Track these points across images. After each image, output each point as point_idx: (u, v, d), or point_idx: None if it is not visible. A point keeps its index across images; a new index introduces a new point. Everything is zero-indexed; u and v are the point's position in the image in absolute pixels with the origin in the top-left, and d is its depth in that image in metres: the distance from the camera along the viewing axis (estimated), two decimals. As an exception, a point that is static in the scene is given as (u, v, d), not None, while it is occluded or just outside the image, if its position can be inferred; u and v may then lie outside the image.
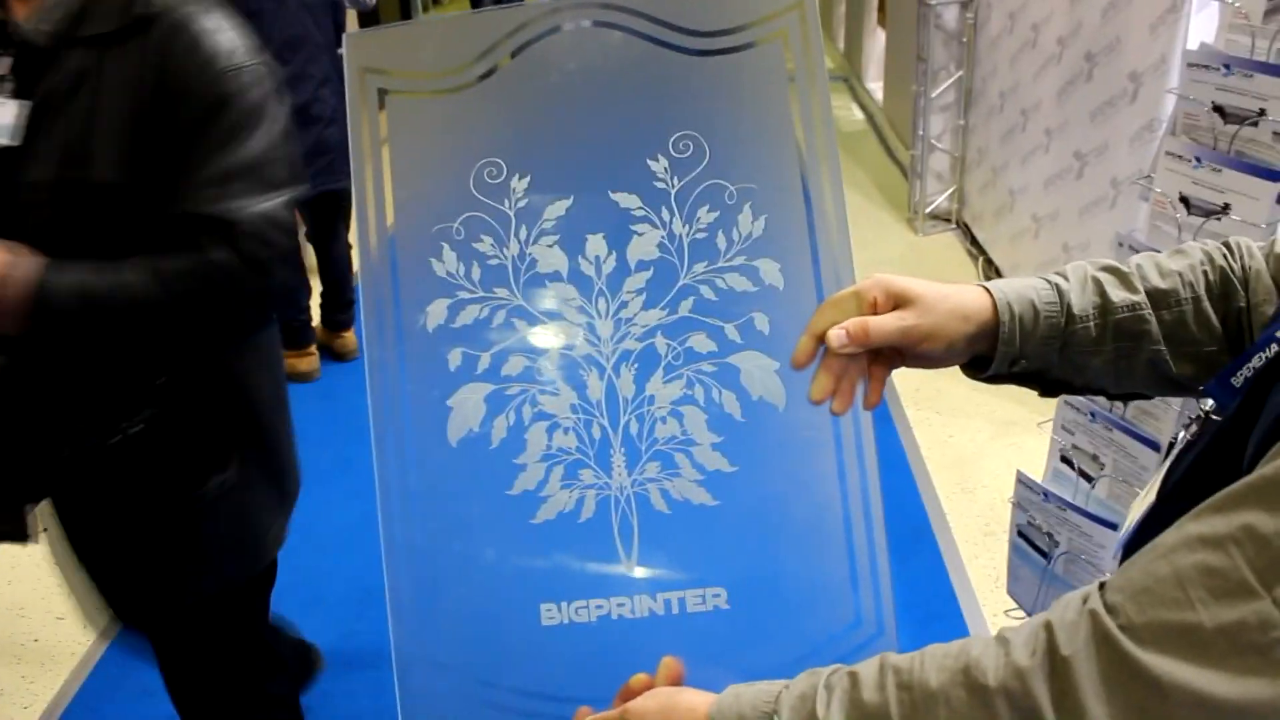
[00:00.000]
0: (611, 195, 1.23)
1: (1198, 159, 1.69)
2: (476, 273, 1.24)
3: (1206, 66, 1.68)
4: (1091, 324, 0.92)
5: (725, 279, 1.22)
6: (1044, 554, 1.48)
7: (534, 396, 1.23)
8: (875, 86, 7.95)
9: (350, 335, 4.11)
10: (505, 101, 1.25)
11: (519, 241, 1.24)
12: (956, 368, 1.01)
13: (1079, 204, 3.43)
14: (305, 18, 3.48)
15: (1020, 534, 1.59)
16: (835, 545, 1.21)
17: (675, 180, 1.23)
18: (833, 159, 1.23)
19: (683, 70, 1.24)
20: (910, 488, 3.19)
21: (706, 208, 1.23)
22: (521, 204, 1.24)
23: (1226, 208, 1.67)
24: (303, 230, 3.84)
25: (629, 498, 1.22)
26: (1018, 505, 1.59)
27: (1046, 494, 1.47)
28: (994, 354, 0.94)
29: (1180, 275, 0.93)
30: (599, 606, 1.22)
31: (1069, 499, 1.46)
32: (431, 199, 1.25)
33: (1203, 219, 1.68)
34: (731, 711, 0.85)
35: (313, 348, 3.99)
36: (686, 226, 1.23)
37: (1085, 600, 0.68)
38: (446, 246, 1.24)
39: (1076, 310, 0.93)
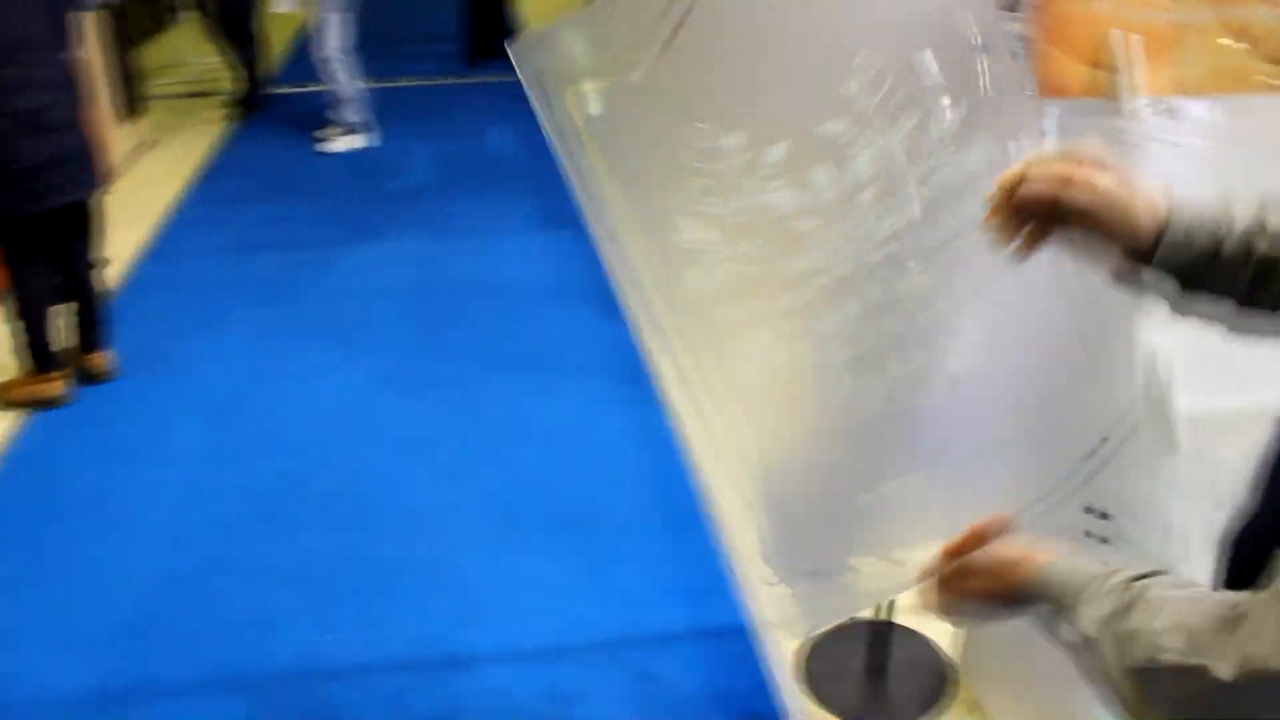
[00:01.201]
0: (819, 128, 1.30)
1: None
2: (719, 234, 1.26)
3: None
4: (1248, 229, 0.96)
5: (940, 173, 1.32)
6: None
7: (805, 321, 1.33)
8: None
9: (103, 356, 3.67)
10: (692, 66, 1.30)
11: (748, 194, 1.27)
12: None
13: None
14: (29, 19, 3.15)
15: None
16: (1082, 385, 1.36)
17: (870, 98, 1.30)
18: (1005, 48, 1.34)
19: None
20: (679, 470, 3.14)
21: (905, 114, 1.31)
22: (737, 159, 1.28)
23: None
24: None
25: (909, 385, 1.36)
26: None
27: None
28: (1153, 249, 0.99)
29: None
30: (906, 478, 1.36)
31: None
32: (651, 174, 1.27)
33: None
34: (1063, 566, 0.96)
35: (60, 371, 3.55)
36: (893, 136, 1.31)
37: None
38: (681, 216, 1.26)
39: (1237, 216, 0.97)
